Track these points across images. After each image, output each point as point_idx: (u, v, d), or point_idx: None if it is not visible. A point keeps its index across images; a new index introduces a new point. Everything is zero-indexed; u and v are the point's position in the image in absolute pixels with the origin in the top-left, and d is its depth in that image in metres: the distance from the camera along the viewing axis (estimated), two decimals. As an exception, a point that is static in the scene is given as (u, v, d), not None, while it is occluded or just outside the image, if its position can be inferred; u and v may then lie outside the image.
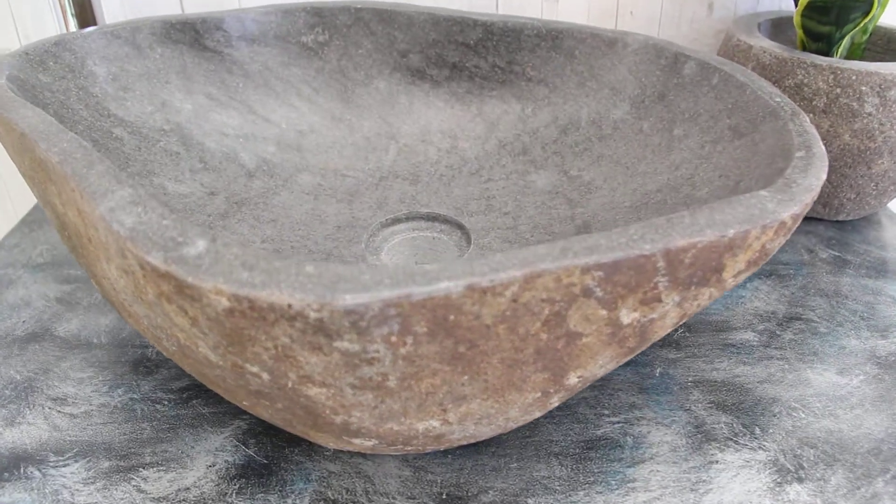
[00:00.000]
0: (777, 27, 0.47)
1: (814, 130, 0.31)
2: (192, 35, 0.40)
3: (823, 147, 0.29)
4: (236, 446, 0.30)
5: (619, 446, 0.30)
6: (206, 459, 0.29)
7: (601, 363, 0.26)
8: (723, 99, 0.35)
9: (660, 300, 0.24)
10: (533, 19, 0.42)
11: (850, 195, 0.41)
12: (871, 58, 0.46)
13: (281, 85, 0.42)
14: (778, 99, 0.33)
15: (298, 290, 0.20)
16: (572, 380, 0.26)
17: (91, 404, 0.32)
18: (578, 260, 0.22)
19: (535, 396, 0.26)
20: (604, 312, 0.24)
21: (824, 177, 0.28)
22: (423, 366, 0.22)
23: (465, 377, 0.23)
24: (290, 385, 0.23)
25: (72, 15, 0.46)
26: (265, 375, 0.23)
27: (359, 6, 0.42)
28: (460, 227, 0.38)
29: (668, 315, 0.26)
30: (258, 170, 0.40)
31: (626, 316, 0.24)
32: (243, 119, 0.41)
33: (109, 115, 0.37)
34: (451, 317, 0.21)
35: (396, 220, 0.38)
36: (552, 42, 0.42)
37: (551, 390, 0.26)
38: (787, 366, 0.34)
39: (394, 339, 0.21)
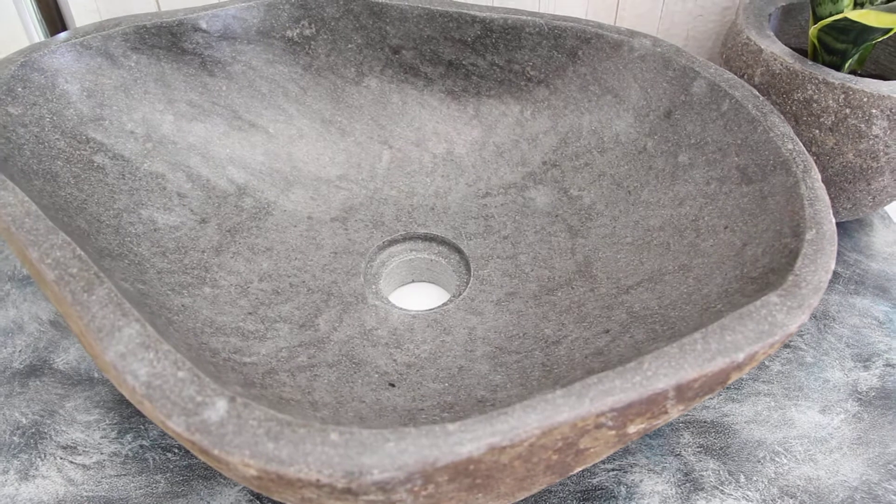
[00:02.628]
0: (788, 14, 0.44)
1: (825, 195, 0.30)
2: (168, 39, 0.37)
3: (833, 222, 0.29)
4: (251, 500, 0.31)
5: (614, 497, 0.32)
6: (221, 518, 0.30)
7: (604, 457, 0.28)
8: (732, 131, 0.34)
9: (666, 413, 0.25)
10: (535, 16, 0.39)
11: (846, 206, 0.41)
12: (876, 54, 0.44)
13: (266, 85, 0.40)
14: (790, 146, 0.32)
15: (326, 466, 0.20)
16: (576, 471, 0.27)
17: (102, 453, 0.33)
18: (594, 407, 0.22)
19: (540, 488, 0.28)
20: (612, 433, 0.24)
21: (833, 266, 0.28)
22: (442, 497, 0.23)
23: (480, 495, 0.24)
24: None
25: (38, 21, 0.42)
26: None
27: (347, -3, 0.39)
28: (458, 250, 0.37)
29: (672, 416, 0.27)
30: (247, 186, 0.38)
31: (633, 428, 0.25)
32: (228, 126, 0.39)
33: (88, 140, 0.35)
34: (472, 467, 0.22)
35: (393, 242, 0.38)
36: (554, 41, 0.39)
37: (556, 481, 0.27)
38: (773, 403, 0.35)
39: (416, 489, 0.22)
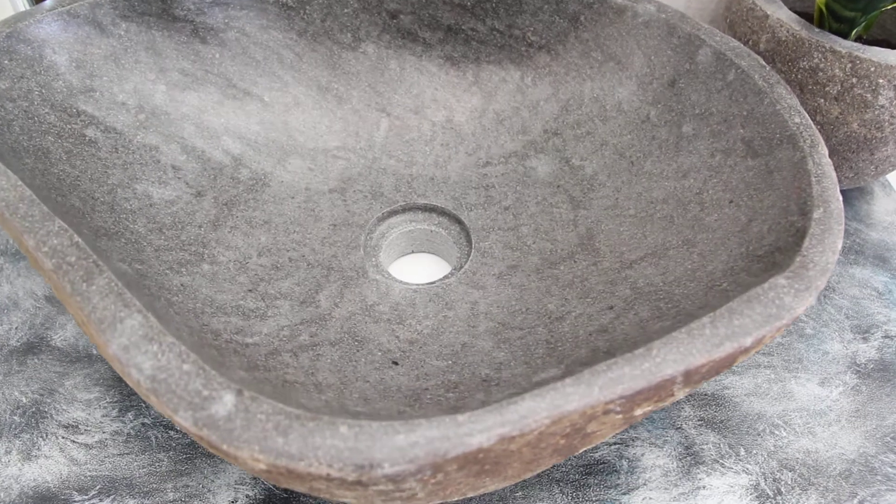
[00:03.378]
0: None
1: (832, 172, 0.30)
2: (158, 5, 0.36)
3: (840, 199, 0.29)
4: (255, 479, 0.31)
5: (616, 471, 0.32)
6: (227, 495, 0.31)
7: (609, 437, 0.28)
8: (738, 102, 0.34)
9: (672, 396, 0.25)
10: (536, -22, 0.38)
11: (848, 175, 0.41)
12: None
13: (261, 52, 0.38)
14: (798, 119, 0.32)
15: (336, 460, 0.20)
16: (579, 451, 0.28)
17: (104, 432, 0.33)
18: (603, 395, 0.22)
19: (545, 468, 0.28)
20: (620, 417, 0.25)
21: (840, 246, 0.27)
22: (451, 483, 0.23)
23: (487, 479, 0.25)
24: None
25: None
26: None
27: (343, -41, 0.38)
28: (459, 221, 0.37)
29: (678, 398, 0.27)
30: (243, 156, 0.37)
31: (639, 412, 0.25)
32: (222, 94, 0.38)
33: (79, 113, 0.34)
34: (481, 455, 0.22)
35: (393, 213, 0.37)
36: (556, 6, 0.38)
37: (561, 461, 0.28)
38: (773, 375, 0.35)
39: (426, 478, 0.22)
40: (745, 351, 0.25)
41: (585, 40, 0.38)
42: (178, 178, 0.35)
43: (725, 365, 0.25)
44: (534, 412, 0.22)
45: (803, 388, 0.35)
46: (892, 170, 0.40)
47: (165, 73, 0.36)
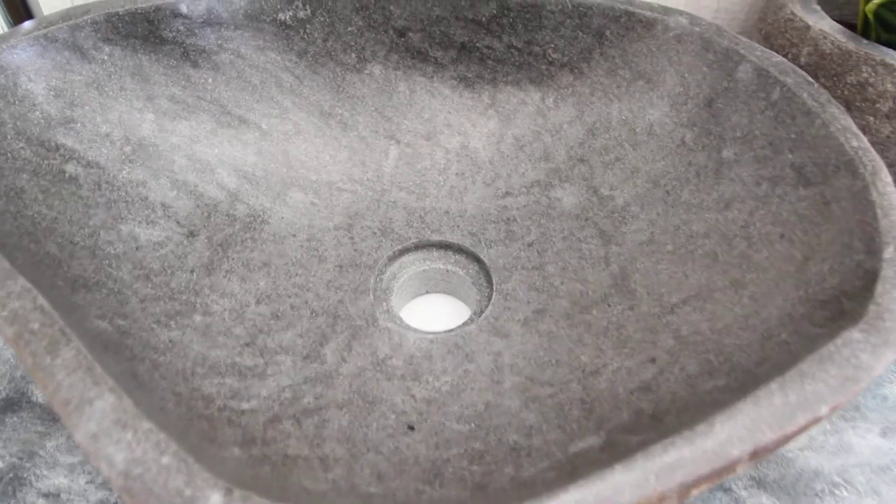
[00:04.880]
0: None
1: (901, 204, 0.26)
2: (144, 27, 0.33)
3: (915, 236, 0.25)
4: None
5: (660, 540, 0.28)
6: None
7: None
8: (784, 124, 0.30)
9: (733, 473, 0.22)
10: (558, -9, 0.35)
11: (901, 198, 0.37)
12: None
13: (258, 75, 0.35)
14: (855, 143, 0.28)
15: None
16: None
17: (88, 501, 0.29)
18: (661, 484, 0.19)
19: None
20: (674, 499, 0.21)
21: (919, 291, 0.24)
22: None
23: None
24: None
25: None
26: None
27: (346, -27, 0.35)
28: (477, 259, 0.34)
29: (738, 474, 0.23)
30: (239, 191, 0.34)
31: (696, 492, 0.22)
32: (216, 123, 0.35)
33: (57, 147, 0.30)
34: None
35: (404, 251, 0.34)
36: (579, 20, 0.35)
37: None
38: (828, 426, 0.32)
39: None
40: (819, 420, 0.21)
41: (612, 57, 0.35)
42: (168, 216, 0.32)
43: (794, 437, 0.22)
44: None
45: (863, 440, 0.32)
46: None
47: (153, 101, 0.33)
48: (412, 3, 0.35)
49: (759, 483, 0.30)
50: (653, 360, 0.28)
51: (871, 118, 0.34)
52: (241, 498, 0.18)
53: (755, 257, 0.29)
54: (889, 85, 0.33)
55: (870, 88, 0.33)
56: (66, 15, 0.31)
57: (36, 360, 0.20)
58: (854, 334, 0.22)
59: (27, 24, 0.31)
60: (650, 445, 0.20)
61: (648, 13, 0.34)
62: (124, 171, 0.32)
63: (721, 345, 0.27)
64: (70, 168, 0.30)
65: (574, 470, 0.23)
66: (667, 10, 0.34)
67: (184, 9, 0.33)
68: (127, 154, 0.32)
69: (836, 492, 0.30)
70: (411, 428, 0.27)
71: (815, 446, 0.31)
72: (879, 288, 0.24)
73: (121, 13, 0.32)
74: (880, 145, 0.35)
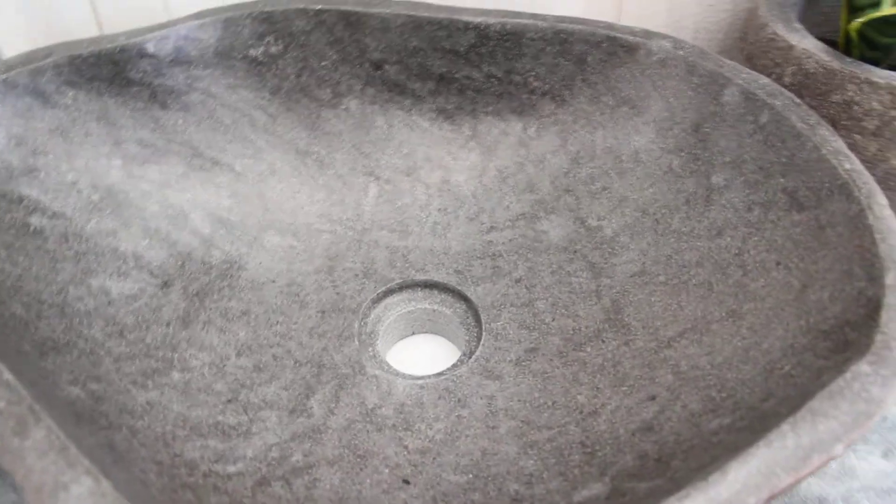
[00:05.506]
0: (813, 3, 0.40)
1: (897, 227, 0.26)
2: (110, 68, 0.31)
3: (916, 260, 0.25)
4: None
5: (668, 584, 0.27)
6: None
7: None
8: (774, 148, 0.30)
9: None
10: (536, 18, 0.34)
11: (888, 216, 0.37)
12: None
13: (229, 114, 0.34)
14: (848, 165, 0.28)
15: None
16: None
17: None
18: (679, 546, 0.18)
19: None
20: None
21: (924, 320, 0.23)
22: None
23: None
24: None
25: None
26: None
27: (319, 7, 0.34)
28: (464, 298, 0.33)
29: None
30: (214, 236, 0.33)
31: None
32: (187, 166, 0.33)
33: (21, 199, 0.29)
34: None
35: (388, 293, 0.33)
36: (560, 46, 0.34)
37: None
38: (833, 454, 0.31)
39: None
40: (834, 459, 0.21)
41: (594, 84, 0.34)
42: (141, 267, 0.31)
43: (808, 476, 0.21)
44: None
45: (865, 463, 0.31)
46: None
47: (121, 146, 0.32)
48: (388, 34, 0.34)
49: (766, 518, 0.29)
50: (653, 398, 0.27)
51: (858, 136, 0.34)
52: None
53: (751, 286, 0.28)
54: (875, 103, 0.33)
55: (855, 107, 0.33)
56: (26, 59, 0.30)
57: (4, 442, 0.18)
58: (863, 367, 0.22)
59: (-16, 71, 0.30)
60: (663, 498, 0.19)
61: (631, 38, 0.33)
62: (93, 221, 0.30)
63: (722, 379, 0.26)
64: (35, 220, 0.29)
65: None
66: (649, 35, 0.33)
67: (150, 48, 0.32)
68: (95, 203, 0.31)
69: (844, 521, 0.29)
70: (406, 482, 0.25)
71: (819, 472, 0.30)
72: (884, 316, 0.23)
73: (84, 55, 0.31)
74: (867, 163, 0.35)
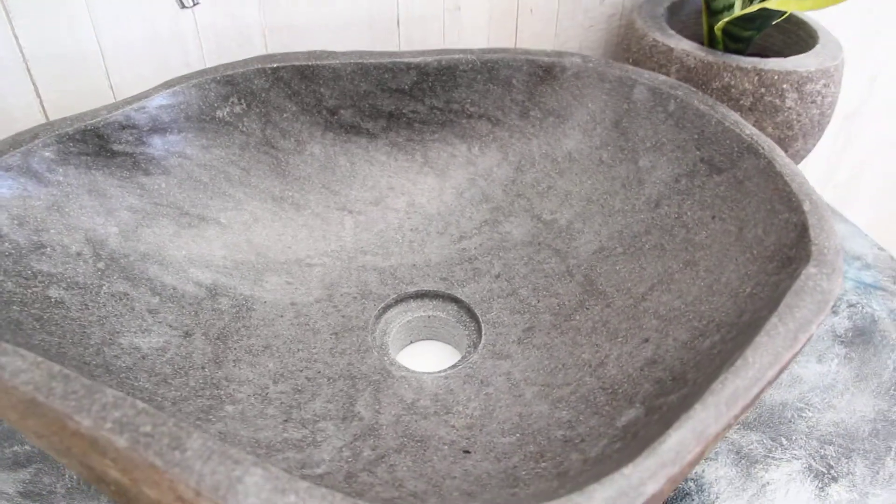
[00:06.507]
0: (673, 13, 0.48)
1: (798, 169, 0.33)
2: (95, 143, 0.33)
3: (815, 190, 0.32)
4: None
5: (688, 494, 0.32)
6: None
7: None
8: (685, 128, 0.37)
9: (759, 400, 0.26)
10: (465, 52, 0.39)
11: (765, 176, 0.45)
12: (777, 38, 0.49)
13: (206, 173, 0.36)
14: (748, 131, 0.35)
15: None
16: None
17: None
18: (731, 410, 0.23)
19: None
20: (725, 434, 0.25)
21: (836, 228, 0.30)
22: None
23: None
24: None
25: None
26: None
27: (275, 65, 0.37)
28: (455, 300, 0.36)
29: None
30: (217, 285, 0.35)
31: (734, 426, 0.26)
32: (177, 225, 0.35)
33: (35, 275, 0.30)
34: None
35: (387, 307, 0.36)
36: (488, 74, 0.40)
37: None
38: (778, 367, 0.38)
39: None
40: (811, 337, 0.26)
41: (521, 101, 0.40)
42: (159, 322, 0.32)
43: (793, 360, 0.27)
44: (684, 445, 0.22)
45: (806, 370, 0.38)
46: (804, 158, 0.45)
47: (114, 214, 0.33)
48: (340, 82, 0.38)
49: (745, 425, 0.35)
50: (646, 340, 0.32)
51: (738, 113, 0.42)
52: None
53: (696, 239, 0.34)
54: (747, 84, 0.40)
55: (732, 89, 0.41)
56: (14, 141, 0.31)
57: (165, 459, 0.20)
58: (811, 269, 0.28)
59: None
60: (695, 400, 0.24)
61: (546, 59, 0.39)
62: (104, 287, 0.31)
63: (699, 312, 0.32)
64: (53, 293, 0.30)
65: (635, 437, 0.26)
66: (560, 54, 0.39)
67: (131, 119, 0.34)
68: (102, 270, 0.32)
69: (803, 414, 0.35)
70: (467, 452, 0.29)
71: (774, 384, 0.37)
72: (812, 233, 0.30)
73: (70, 132, 0.32)
74: (742, 137, 0.42)
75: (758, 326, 0.27)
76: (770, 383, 0.24)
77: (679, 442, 0.22)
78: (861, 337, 0.39)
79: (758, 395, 0.24)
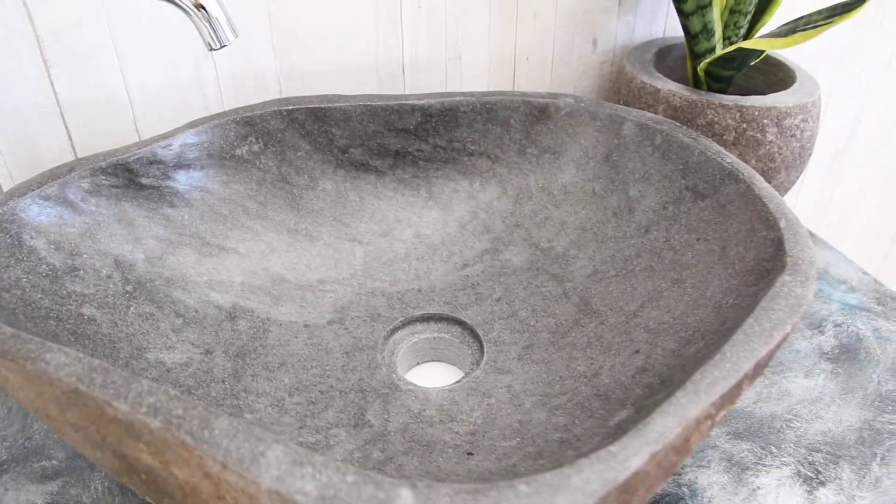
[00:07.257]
0: (660, 59, 0.52)
1: (774, 191, 0.36)
2: (125, 176, 0.36)
3: (790, 209, 0.34)
4: None
5: (682, 499, 0.34)
6: None
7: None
8: (671, 160, 0.40)
9: (741, 394, 0.28)
10: (466, 95, 0.42)
11: (751, 208, 0.48)
12: (758, 79, 0.53)
13: (226, 207, 0.39)
14: (729, 160, 0.38)
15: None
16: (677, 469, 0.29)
17: None
18: (708, 398, 0.25)
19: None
20: (709, 424, 0.27)
21: (811, 243, 0.33)
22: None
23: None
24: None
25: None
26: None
27: (290, 108, 0.40)
28: (459, 322, 0.39)
29: (743, 396, 0.30)
30: (236, 308, 0.37)
31: (719, 417, 0.28)
32: (199, 254, 0.38)
33: (69, 294, 0.32)
34: (636, 478, 0.23)
35: (395, 329, 0.38)
36: (487, 115, 0.43)
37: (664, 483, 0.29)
38: (767, 381, 0.40)
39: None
40: (786, 338, 0.29)
41: (519, 140, 0.43)
42: (182, 340, 0.34)
43: (773, 356, 0.29)
44: (667, 426, 0.24)
45: (794, 384, 0.39)
46: (787, 190, 0.48)
47: (141, 242, 0.36)
48: (350, 123, 0.41)
49: (735, 435, 0.37)
50: (637, 351, 0.34)
51: (722, 147, 0.45)
52: (426, 486, 0.21)
53: (683, 259, 0.37)
54: (730, 120, 0.44)
55: (716, 125, 0.44)
56: (52, 174, 0.34)
57: (195, 436, 0.22)
58: (786, 277, 0.30)
59: (18, 186, 0.34)
60: (691, 374, 0.26)
61: (541, 100, 0.42)
62: (132, 308, 0.34)
63: (686, 324, 0.34)
64: (86, 311, 0.32)
65: (626, 432, 0.28)
66: (555, 95, 0.43)
67: (158, 155, 0.37)
68: (129, 292, 0.34)
69: (792, 424, 0.37)
70: (470, 454, 0.31)
71: (764, 398, 0.39)
72: (788, 246, 0.32)
73: (104, 166, 0.35)
74: (726, 170, 0.45)
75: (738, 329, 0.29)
76: (748, 376, 0.26)
77: (661, 423, 0.24)
78: (847, 354, 0.41)
79: (737, 386, 0.26)
